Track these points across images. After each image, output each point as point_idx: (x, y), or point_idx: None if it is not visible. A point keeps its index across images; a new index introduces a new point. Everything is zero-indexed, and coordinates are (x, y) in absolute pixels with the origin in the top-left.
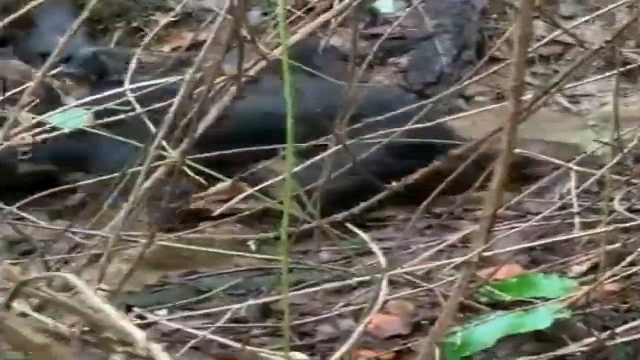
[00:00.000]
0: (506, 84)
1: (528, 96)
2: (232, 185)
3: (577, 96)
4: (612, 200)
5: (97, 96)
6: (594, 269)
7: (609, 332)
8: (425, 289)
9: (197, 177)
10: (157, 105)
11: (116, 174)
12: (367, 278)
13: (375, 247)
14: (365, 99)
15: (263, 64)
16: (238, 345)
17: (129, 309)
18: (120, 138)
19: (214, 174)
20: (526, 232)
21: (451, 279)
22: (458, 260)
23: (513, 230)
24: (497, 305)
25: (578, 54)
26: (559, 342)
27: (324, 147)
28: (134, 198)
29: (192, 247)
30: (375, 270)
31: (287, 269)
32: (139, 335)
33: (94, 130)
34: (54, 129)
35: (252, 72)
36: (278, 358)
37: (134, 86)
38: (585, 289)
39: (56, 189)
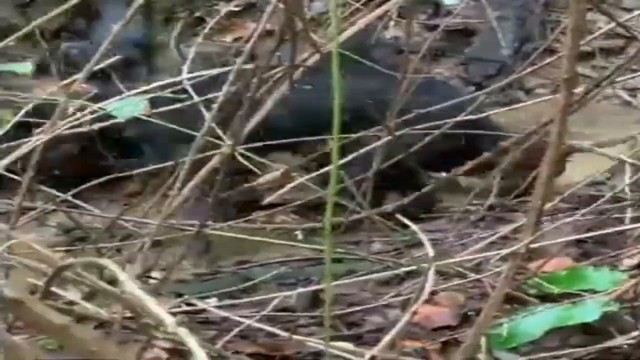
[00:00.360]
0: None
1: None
2: (282, 174)
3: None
4: None
5: (154, 85)
6: None
7: None
8: (474, 279)
9: (250, 166)
10: (210, 95)
11: (169, 162)
12: (414, 268)
13: (424, 238)
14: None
15: (316, 56)
16: (285, 334)
17: (179, 296)
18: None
19: (267, 162)
20: (577, 225)
21: (500, 269)
22: (504, 251)
23: (560, 222)
24: (545, 297)
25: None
26: (606, 335)
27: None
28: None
29: (242, 236)
30: (422, 261)
31: (330, 259)
32: (168, 319)
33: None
34: (109, 117)
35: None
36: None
37: (190, 75)
38: (633, 281)
39: (111, 176)
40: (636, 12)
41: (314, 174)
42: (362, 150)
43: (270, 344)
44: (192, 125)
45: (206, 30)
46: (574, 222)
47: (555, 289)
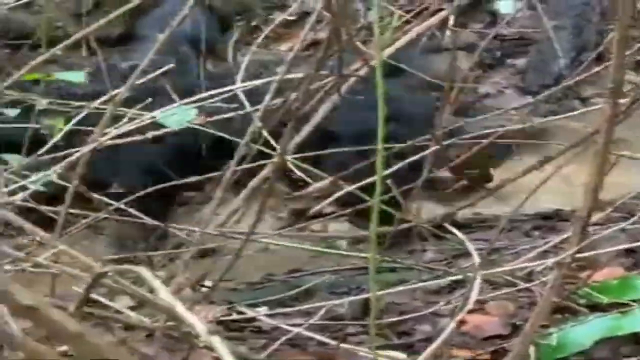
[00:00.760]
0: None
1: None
2: (331, 183)
3: None
4: None
5: (206, 94)
6: None
7: None
8: (522, 288)
9: (301, 175)
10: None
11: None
12: (460, 277)
13: (471, 247)
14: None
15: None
16: (334, 343)
17: (230, 304)
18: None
19: (316, 171)
20: (629, 234)
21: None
22: (550, 260)
23: (610, 231)
24: (595, 307)
25: None
26: None
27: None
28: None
29: (290, 245)
30: (471, 270)
31: (374, 268)
32: (201, 327)
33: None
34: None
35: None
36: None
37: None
38: None
39: (168, 184)
40: None
41: (361, 183)
42: (407, 160)
43: (319, 352)
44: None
45: (261, 39)
46: (625, 231)
47: (605, 299)
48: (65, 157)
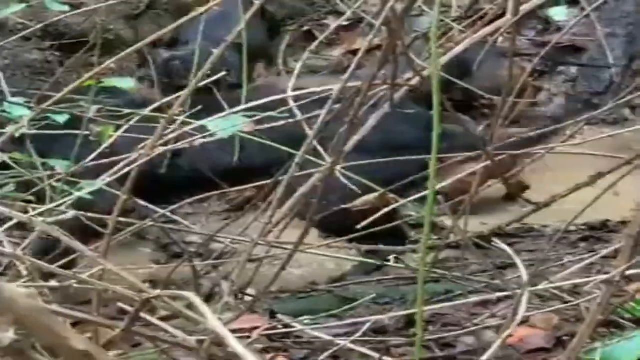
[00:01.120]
0: None
1: None
2: (379, 197)
3: None
4: None
5: (257, 102)
6: None
7: None
8: (569, 302)
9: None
10: (314, 113)
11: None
12: (508, 291)
13: (519, 262)
14: None
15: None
16: (376, 355)
17: (272, 314)
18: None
19: (366, 182)
20: None
21: (595, 294)
22: (599, 277)
23: None
24: None
25: None
26: None
27: None
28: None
29: (336, 256)
30: (517, 284)
31: (422, 282)
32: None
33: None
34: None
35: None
36: None
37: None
38: None
39: (213, 193)
40: None
41: (411, 198)
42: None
43: None
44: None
45: (315, 45)
46: None
47: None
48: (111, 164)
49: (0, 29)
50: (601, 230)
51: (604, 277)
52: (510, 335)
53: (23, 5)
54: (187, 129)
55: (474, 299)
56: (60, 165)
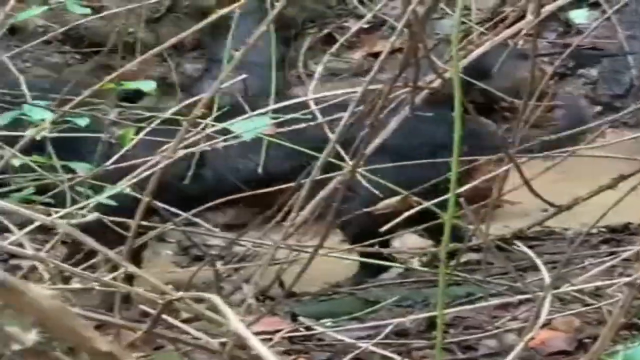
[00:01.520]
0: None
1: None
2: (401, 200)
3: None
4: None
5: (279, 104)
6: None
7: None
8: (590, 305)
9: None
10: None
11: (291, 184)
12: (530, 294)
13: (540, 265)
14: None
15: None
16: (398, 358)
17: (294, 317)
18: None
19: (389, 185)
20: None
21: (617, 297)
22: (622, 280)
23: None
24: None
25: None
26: None
27: None
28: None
29: (358, 259)
30: (539, 286)
31: (443, 286)
32: (264, 352)
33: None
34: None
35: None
36: None
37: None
38: None
39: (235, 196)
40: None
41: (433, 202)
42: (478, 180)
43: None
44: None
45: (336, 48)
46: None
47: None
48: (131, 168)
49: (21, 32)
50: (622, 232)
51: (626, 279)
52: (532, 338)
53: (44, 8)
54: (209, 131)
55: (495, 301)
56: (80, 168)
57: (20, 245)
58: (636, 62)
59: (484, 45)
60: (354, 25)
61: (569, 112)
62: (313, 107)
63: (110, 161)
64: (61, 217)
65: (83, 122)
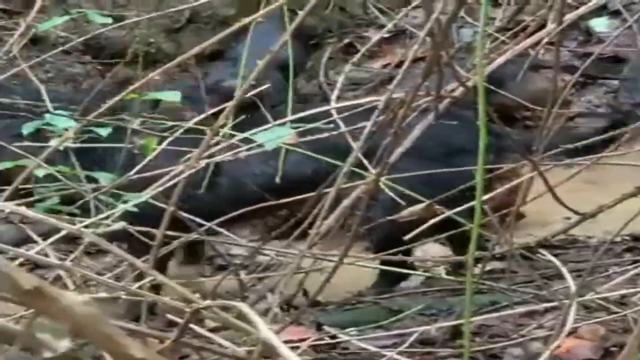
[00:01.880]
0: None
1: None
2: (426, 207)
3: None
4: None
5: (302, 114)
6: None
7: None
8: (616, 313)
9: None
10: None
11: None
12: (556, 302)
13: (566, 273)
14: None
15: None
16: None
17: (319, 326)
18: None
19: (411, 193)
20: None
21: None
22: None
23: None
24: None
25: None
26: None
27: None
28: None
29: (382, 267)
30: (564, 295)
31: (470, 294)
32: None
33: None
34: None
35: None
36: None
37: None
38: None
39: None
40: None
41: (459, 209)
42: (505, 187)
43: None
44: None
45: (357, 57)
46: None
47: None
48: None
49: (42, 43)
50: None
51: None
52: (558, 347)
53: (66, 18)
54: (231, 141)
55: (520, 309)
56: (103, 178)
57: (46, 255)
58: None
59: (506, 54)
60: (375, 35)
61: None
62: (335, 116)
63: (135, 169)
64: (86, 227)
65: (105, 132)
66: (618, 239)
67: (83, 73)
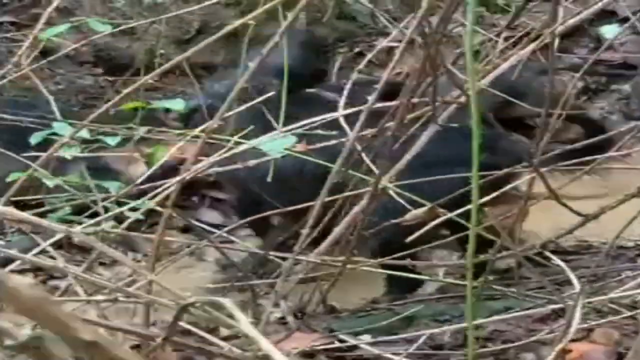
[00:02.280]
0: None
1: None
2: (428, 211)
3: None
4: None
5: (307, 121)
6: None
7: None
8: (627, 316)
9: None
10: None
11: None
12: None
13: (572, 276)
14: None
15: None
16: None
17: (331, 332)
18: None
19: (416, 198)
20: None
21: None
22: None
23: None
24: None
25: None
26: None
27: None
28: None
29: (389, 272)
30: (573, 298)
31: (471, 298)
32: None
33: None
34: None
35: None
36: None
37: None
38: None
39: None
40: None
41: (458, 211)
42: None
43: None
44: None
45: (362, 65)
46: None
47: None
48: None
49: (52, 54)
50: None
51: None
52: (569, 349)
53: (66, 26)
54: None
55: (527, 313)
56: (112, 187)
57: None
58: None
59: (509, 60)
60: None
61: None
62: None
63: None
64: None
65: (113, 141)
66: (630, 244)
67: (94, 85)
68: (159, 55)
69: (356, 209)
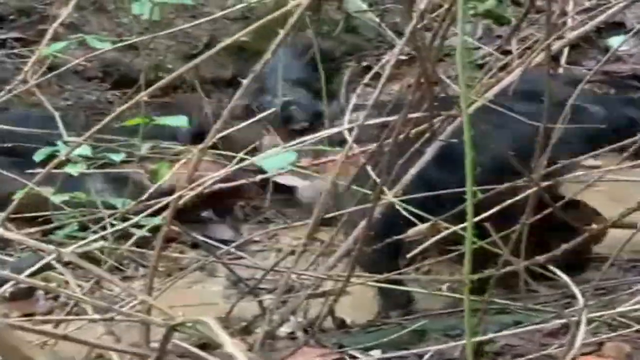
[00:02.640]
0: None
1: None
2: (432, 225)
3: None
4: None
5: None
6: None
7: None
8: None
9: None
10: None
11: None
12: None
13: (575, 289)
14: None
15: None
16: None
17: (341, 348)
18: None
19: (421, 214)
20: None
21: None
22: None
23: None
24: None
25: None
26: None
27: None
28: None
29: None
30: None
31: (469, 312)
32: None
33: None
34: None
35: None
36: None
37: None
38: None
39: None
40: None
41: (459, 226)
42: (508, 202)
43: None
44: None
45: (367, 79)
46: None
47: None
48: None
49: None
50: None
51: None
52: None
53: (66, 43)
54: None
55: (537, 327)
56: (119, 203)
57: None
58: None
59: (515, 72)
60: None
61: None
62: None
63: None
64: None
65: (117, 157)
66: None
67: (102, 100)
68: (166, 70)
69: (365, 223)
